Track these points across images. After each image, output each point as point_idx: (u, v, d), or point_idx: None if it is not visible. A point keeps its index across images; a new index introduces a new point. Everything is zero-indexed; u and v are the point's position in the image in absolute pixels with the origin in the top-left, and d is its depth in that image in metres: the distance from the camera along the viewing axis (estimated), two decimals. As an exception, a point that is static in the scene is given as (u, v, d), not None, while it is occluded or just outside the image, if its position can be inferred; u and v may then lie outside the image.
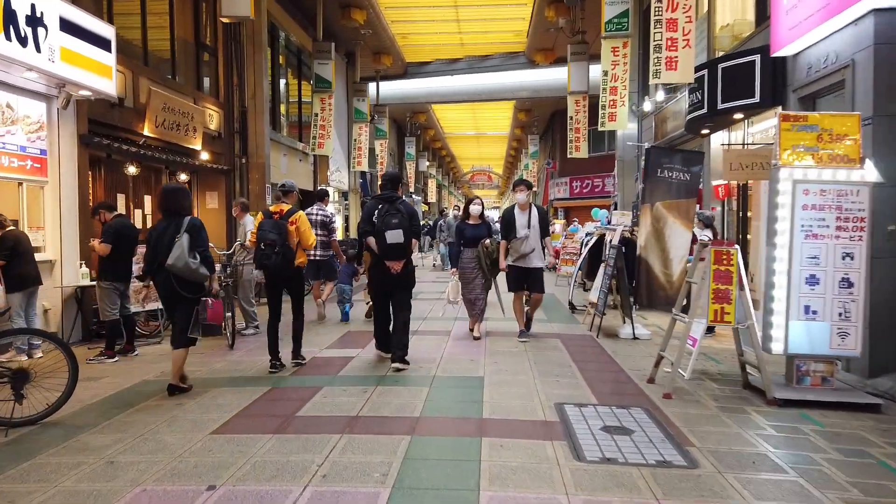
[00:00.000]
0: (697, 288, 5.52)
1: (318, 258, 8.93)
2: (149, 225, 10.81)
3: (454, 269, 8.03)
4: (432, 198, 43.50)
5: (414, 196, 39.68)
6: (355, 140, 19.84)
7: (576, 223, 19.79)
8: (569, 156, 16.45)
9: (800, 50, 7.39)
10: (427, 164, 38.54)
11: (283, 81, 16.75)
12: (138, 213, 10.51)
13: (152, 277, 5.50)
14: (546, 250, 7.80)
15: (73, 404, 4.94)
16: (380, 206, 6.03)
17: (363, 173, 22.22)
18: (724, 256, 5.37)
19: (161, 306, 8.12)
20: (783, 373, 5.54)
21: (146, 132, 9.47)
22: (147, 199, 10.73)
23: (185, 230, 5.29)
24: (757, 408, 5.06)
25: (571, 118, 16.08)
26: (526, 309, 7.97)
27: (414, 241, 6.16)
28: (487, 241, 7.70)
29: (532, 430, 4.41)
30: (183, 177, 11.17)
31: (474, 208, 7.89)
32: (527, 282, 7.66)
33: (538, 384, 5.68)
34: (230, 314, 7.62)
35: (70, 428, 4.50)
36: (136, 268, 7.91)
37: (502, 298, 8.22)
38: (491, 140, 43.99)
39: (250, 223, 8.58)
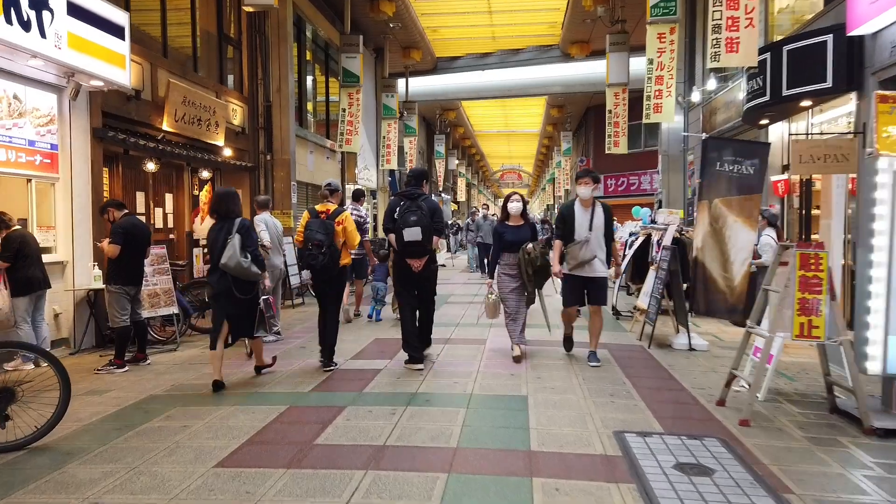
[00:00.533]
0: (779, 297, 4.75)
1: (353, 257, 8.60)
2: (170, 224, 10.37)
3: (490, 281, 6.86)
4: (462, 197, 42.86)
5: (443, 195, 39.14)
6: (384, 137, 19.28)
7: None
8: (607, 151, 15.63)
9: (882, 27, 6.53)
10: (457, 162, 37.88)
11: (309, 78, 16.28)
12: (159, 211, 10.07)
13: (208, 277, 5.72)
14: (612, 258, 6.53)
15: (69, 424, 4.42)
16: (401, 203, 5.98)
17: (392, 171, 21.67)
18: (813, 260, 4.60)
19: (176, 311, 7.69)
20: (878, 394, 4.75)
21: (165, 126, 8.99)
22: (168, 198, 10.28)
23: (237, 231, 5.42)
24: (853, 439, 4.28)
25: (610, 112, 15.26)
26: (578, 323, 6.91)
27: (437, 239, 6.07)
28: (529, 245, 6.39)
29: (591, 467, 3.71)
30: (205, 174, 10.70)
31: (514, 206, 6.57)
32: (589, 293, 6.36)
33: (591, 405, 4.98)
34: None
35: (59, 455, 3.95)
36: (150, 269, 7.43)
37: (548, 312, 7.09)
38: (521, 138, 43.17)
39: (262, 223, 7.98)
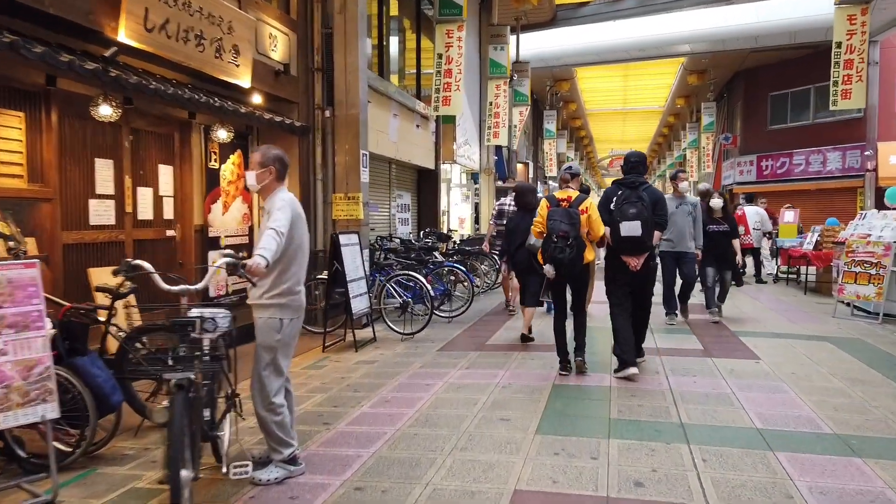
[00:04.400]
0: None
1: None
2: (167, 214, 6.59)
3: None
4: (570, 185, 37.80)
5: (550, 183, 34.38)
6: (491, 103, 14.94)
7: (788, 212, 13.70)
8: (832, 107, 10.46)
9: None
10: (566, 144, 32.99)
11: (395, 22, 12.19)
12: (145, 194, 6.27)
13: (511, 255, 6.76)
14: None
15: None
16: (619, 193, 5.37)
17: (498, 149, 17.27)
18: None
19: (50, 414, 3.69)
20: None
21: (124, 38, 5.05)
22: (164, 172, 6.48)
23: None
24: None
25: (840, 45, 10.10)
26: None
27: (659, 234, 5.54)
28: None
29: None
30: (222, 133, 6.79)
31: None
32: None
33: None
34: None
35: None
36: None
37: None
38: (639, 117, 37.58)
39: (281, 202, 3.69)
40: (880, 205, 19.49)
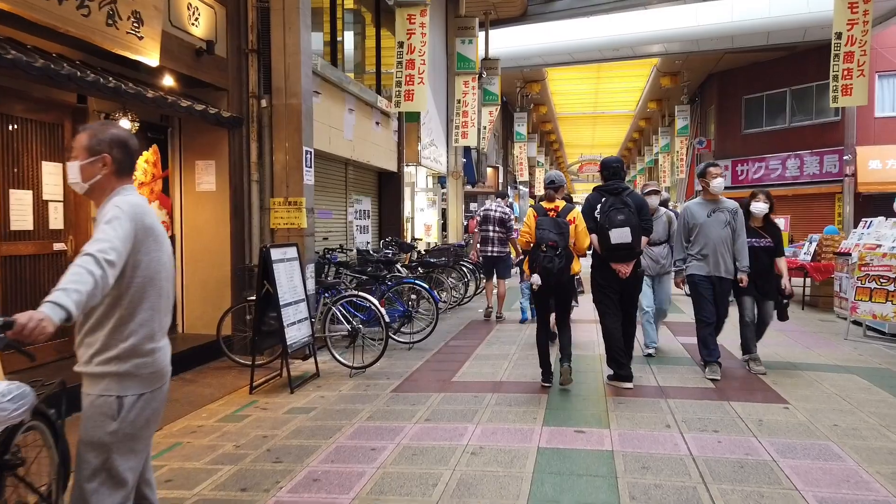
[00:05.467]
0: None
1: (494, 254, 8.82)
2: (55, 223, 5.27)
3: None
4: (540, 191, 36.97)
5: (521, 188, 33.41)
6: (459, 101, 13.79)
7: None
8: (832, 104, 9.54)
9: None
10: (536, 148, 32.07)
11: (352, 15, 10.97)
12: (22, 198, 4.95)
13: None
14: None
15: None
16: (603, 200, 5.31)
17: (467, 151, 16.14)
18: None
19: None
20: None
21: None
22: (50, 169, 5.16)
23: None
24: None
25: (840, 36, 9.20)
26: None
27: (646, 239, 5.40)
28: None
29: None
30: (125, 125, 5.48)
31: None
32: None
33: None
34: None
35: None
36: None
37: None
38: (610, 121, 36.96)
39: (114, 210, 2.40)
40: (860, 211, 18.88)
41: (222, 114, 6.33)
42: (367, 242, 10.59)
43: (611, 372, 5.40)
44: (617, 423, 4.27)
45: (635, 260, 5.28)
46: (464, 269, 10.46)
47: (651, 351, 6.41)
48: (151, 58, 5.28)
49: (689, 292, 5.77)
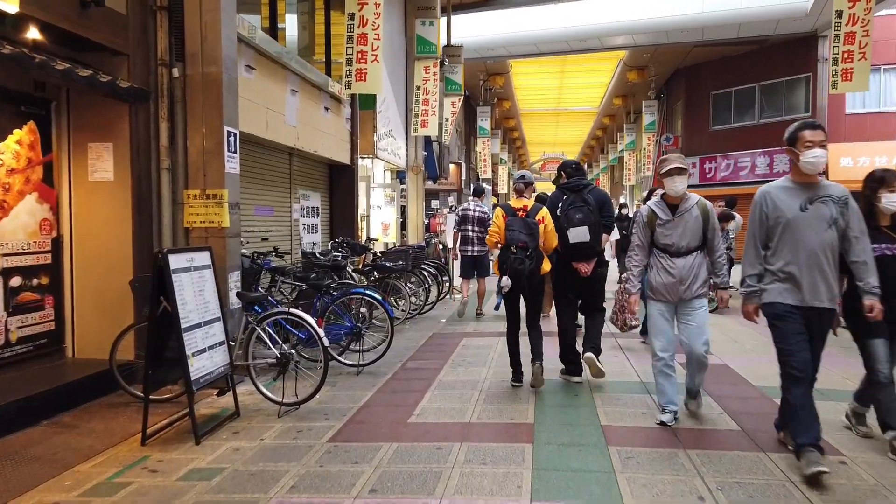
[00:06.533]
0: None
1: (475, 254, 8.92)
2: None
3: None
4: (503, 189, 35.99)
5: (485, 185, 32.33)
6: (419, 87, 12.60)
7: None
8: (831, 90, 8.70)
9: None
10: (500, 145, 31.08)
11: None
12: None
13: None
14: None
15: None
16: (564, 198, 5.23)
17: (428, 144, 14.95)
18: None
19: None
20: None
21: None
22: None
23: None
24: None
25: (841, 14, 8.33)
26: None
27: (606, 236, 5.41)
28: None
29: None
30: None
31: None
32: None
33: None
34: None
35: None
36: None
37: None
38: (573, 118, 36.38)
39: None
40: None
41: (119, 83, 5.01)
42: (314, 244, 9.31)
43: (563, 367, 5.48)
44: (632, 495, 3.15)
45: (596, 258, 5.27)
46: (424, 273, 9.28)
47: (667, 417, 4.20)
48: (8, 2, 3.96)
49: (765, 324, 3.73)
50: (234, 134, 5.58)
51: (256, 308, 4.91)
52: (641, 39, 19.49)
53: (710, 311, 4.78)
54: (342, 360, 5.83)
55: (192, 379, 4.07)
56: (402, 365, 6.05)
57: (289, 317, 4.73)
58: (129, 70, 5.31)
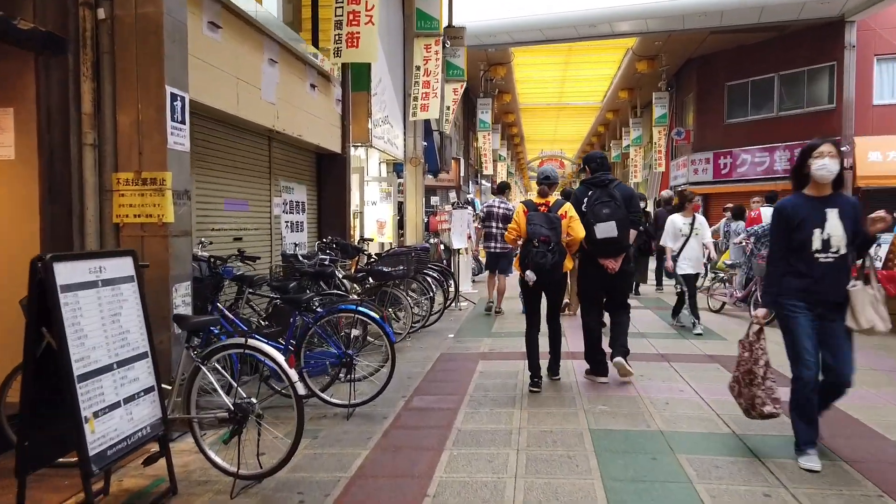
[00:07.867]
0: None
1: (499, 251, 8.97)
2: None
3: None
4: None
5: (483, 183, 30.95)
6: (419, 67, 11.18)
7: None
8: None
9: None
10: (500, 141, 29.72)
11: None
12: None
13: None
14: None
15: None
16: (590, 193, 5.23)
17: (429, 134, 13.53)
18: None
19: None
20: None
21: None
22: None
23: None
24: None
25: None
26: None
27: (634, 232, 5.33)
28: None
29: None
30: None
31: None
32: None
33: None
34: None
35: None
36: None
37: None
38: (575, 113, 35.00)
39: None
40: (860, 207, 17.30)
41: (18, 25, 3.59)
42: (296, 245, 7.88)
43: (587, 367, 5.42)
44: None
45: (624, 255, 5.21)
46: (428, 279, 7.89)
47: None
48: None
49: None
50: (182, 98, 4.16)
51: (202, 336, 3.49)
52: (654, 25, 18.18)
53: None
54: (327, 398, 4.42)
55: (93, 454, 2.65)
56: (406, 403, 4.65)
57: (249, 350, 3.30)
58: (36, 8, 3.89)
